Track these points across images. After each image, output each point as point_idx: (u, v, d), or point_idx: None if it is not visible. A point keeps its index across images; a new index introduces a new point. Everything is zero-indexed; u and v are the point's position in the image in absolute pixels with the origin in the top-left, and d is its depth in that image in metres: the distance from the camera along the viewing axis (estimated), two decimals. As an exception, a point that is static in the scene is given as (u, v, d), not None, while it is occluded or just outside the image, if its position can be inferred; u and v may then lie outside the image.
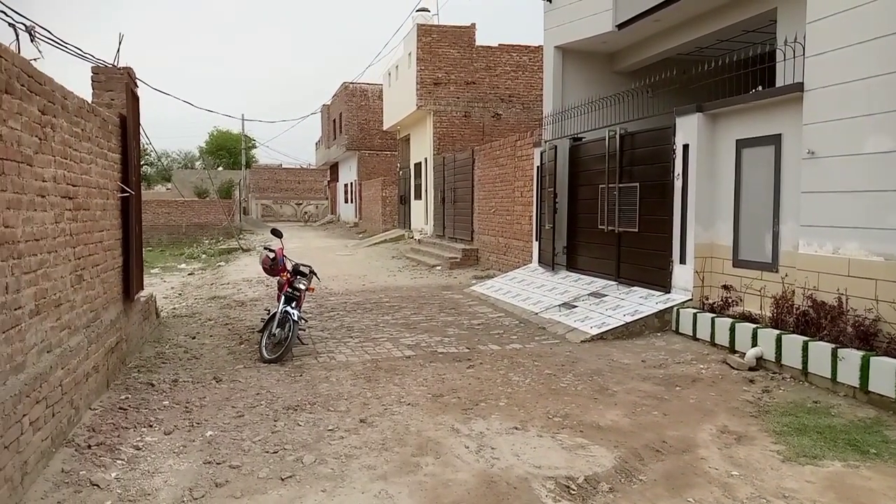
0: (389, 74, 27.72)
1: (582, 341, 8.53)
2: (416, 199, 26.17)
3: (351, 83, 36.79)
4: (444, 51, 23.17)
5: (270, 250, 8.45)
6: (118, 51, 8.21)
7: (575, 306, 10.04)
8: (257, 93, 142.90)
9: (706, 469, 4.53)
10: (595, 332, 8.68)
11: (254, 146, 59.68)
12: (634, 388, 6.46)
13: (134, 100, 8.20)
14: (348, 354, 7.98)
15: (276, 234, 8.94)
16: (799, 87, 7.27)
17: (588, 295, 10.45)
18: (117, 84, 7.69)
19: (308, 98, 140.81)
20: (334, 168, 48.32)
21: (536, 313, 10.19)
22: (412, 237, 24.83)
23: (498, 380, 6.79)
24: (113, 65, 7.91)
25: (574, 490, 4.24)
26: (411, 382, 6.70)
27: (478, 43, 23.60)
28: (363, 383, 6.68)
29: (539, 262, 13.45)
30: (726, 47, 11.18)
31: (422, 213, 25.02)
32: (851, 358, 6.04)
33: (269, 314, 8.17)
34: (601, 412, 5.75)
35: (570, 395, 6.25)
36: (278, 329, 7.72)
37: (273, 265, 8.36)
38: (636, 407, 5.89)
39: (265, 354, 7.61)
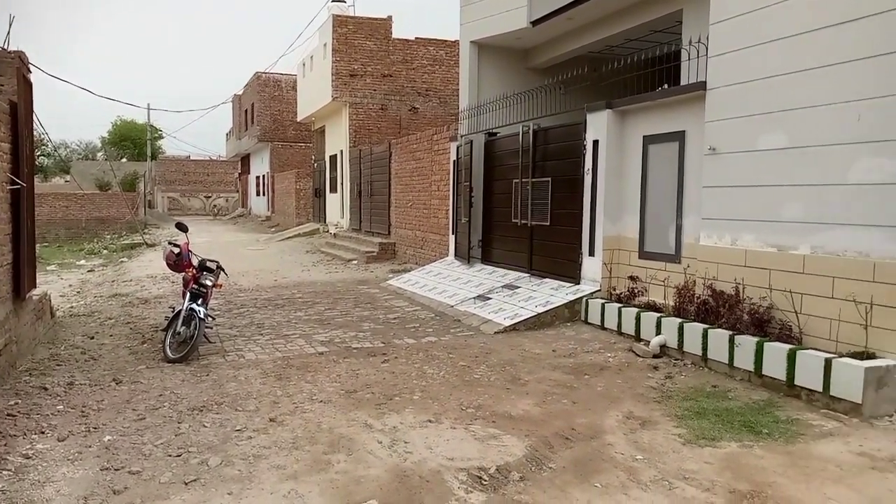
0: (304, 65, 27.17)
1: (496, 332, 8.63)
2: (331, 192, 25.79)
3: (264, 73, 35.83)
4: (360, 42, 22.90)
5: (175, 245, 8.10)
6: (8, 33, 7.63)
7: (489, 298, 10.15)
8: (163, 82, 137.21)
9: (613, 454, 4.66)
10: (508, 323, 8.80)
11: (160, 136, 57.16)
12: (545, 378, 6.58)
13: (27, 86, 7.65)
14: (258, 352, 7.76)
15: (182, 227, 8.57)
16: (702, 86, 7.59)
17: (502, 287, 10.59)
18: (7, 69, 7.15)
19: (219, 88, 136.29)
20: (245, 160, 46.99)
21: (452, 306, 10.23)
22: (327, 231, 24.47)
23: (413, 373, 6.77)
24: (3, 48, 7.35)
25: (486, 480, 4.27)
26: (324, 379, 6.58)
27: (394, 36, 23.46)
28: (273, 381, 6.51)
29: (455, 255, 13.53)
30: (635, 46, 11.55)
31: (337, 207, 24.69)
32: (747, 344, 6.37)
33: (173, 312, 7.83)
34: (513, 402, 5.83)
35: (483, 387, 6.30)
36: (183, 327, 7.41)
37: (178, 261, 8.01)
38: (547, 396, 6.00)
39: (169, 354, 7.29)
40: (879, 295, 5.65)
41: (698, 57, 8.08)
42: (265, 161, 38.71)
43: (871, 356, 5.60)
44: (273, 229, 31.67)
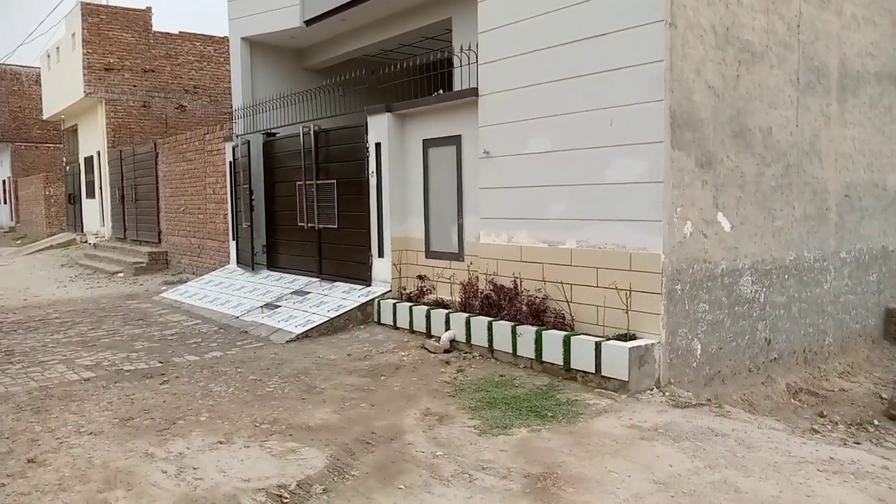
0: (49, 56, 24.10)
1: (287, 341, 8.35)
2: (88, 197, 23.19)
3: (-2, 63, 31.22)
4: (115, 34, 20.84)
5: None
6: None
7: (278, 306, 9.79)
8: None
9: (414, 453, 4.71)
10: (300, 330, 8.55)
11: None
12: (342, 383, 6.49)
13: None
14: (8, 384, 6.70)
15: None
16: (474, 92, 7.99)
17: (291, 293, 10.28)
18: None
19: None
20: (-21, 163, 40.57)
21: (237, 317, 9.71)
22: (86, 241, 21.98)
23: (197, 393, 6.28)
24: None
25: (287, 498, 4.08)
26: (93, 408, 5.86)
27: (155, 28, 21.70)
28: (30, 416, 5.65)
29: (238, 262, 12.86)
30: (409, 51, 11.86)
31: (97, 214, 22.27)
32: (527, 333, 6.83)
33: None
34: (310, 412, 5.66)
35: (277, 399, 6.04)
36: None
37: None
38: (345, 402, 5.92)
39: None
40: (636, 282, 6.37)
41: (469, 64, 8.50)
42: (5, 164, 33.76)
43: (632, 337, 6.30)
44: (19, 241, 27.72)
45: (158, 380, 6.76)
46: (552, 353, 6.58)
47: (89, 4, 20.64)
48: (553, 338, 6.59)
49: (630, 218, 6.44)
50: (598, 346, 6.19)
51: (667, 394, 6.01)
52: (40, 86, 27.41)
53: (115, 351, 8.10)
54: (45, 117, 26.40)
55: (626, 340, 6.24)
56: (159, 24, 22.06)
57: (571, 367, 6.41)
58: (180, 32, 22.15)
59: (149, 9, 21.66)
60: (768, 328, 7.45)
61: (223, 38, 21.71)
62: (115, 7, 21.20)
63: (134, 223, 18.95)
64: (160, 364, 7.44)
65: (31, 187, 29.05)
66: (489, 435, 5.03)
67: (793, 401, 7.35)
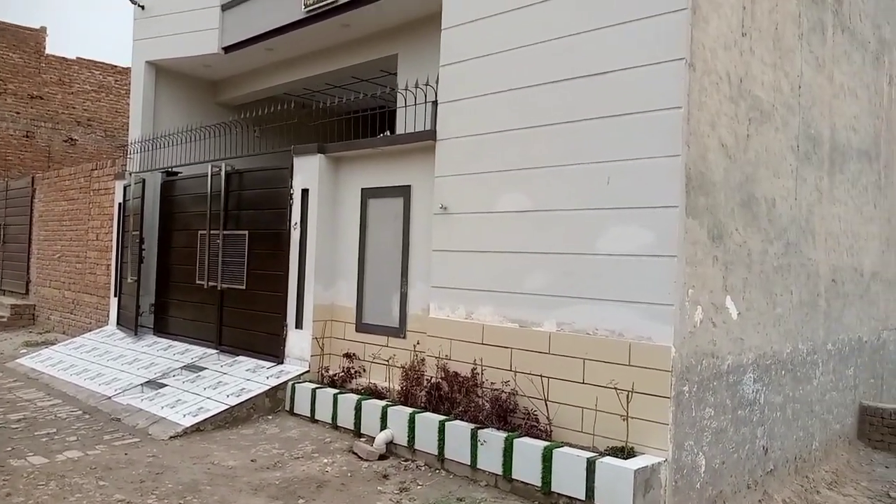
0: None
1: (172, 437, 6.43)
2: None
3: None
4: (1, 52, 18.40)
5: None
6: None
7: (164, 385, 7.82)
8: None
9: None
10: (190, 422, 6.65)
11: None
12: (245, 511, 4.72)
13: None
14: None
15: None
16: (431, 136, 6.62)
17: (182, 368, 8.31)
18: None
19: None
20: None
21: (110, 397, 7.65)
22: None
23: (30, 527, 4.34)
24: None
25: None
26: None
27: (49, 51, 19.39)
28: None
29: (118, 323, 10.71)
30: (337, 93, 10.43)
31: (-44, 256, 19.16)
32: (493, 441, 5.32)
33: None
34: (198, 568, 3.87)
35: (149, 541, 4.20)
36: None
37: None
38: (249, 547, 4.16)
39: None
40: (637, 381, 5.01)
41: (418, 104, 7.19)
42: None
43: (631, 452, 4.90)
44: None
45: (-24, 501, 4.74)
46: (526, 470, 5.08)
47: (-29, 17, 18.20)
48: (529, 449, 5.10)
49: (630, 299, 5.13)
50: (590, 464, 4.76)
51: (681, 533, 4.61)
52: None
53: (-73, 447, 5.94)
54: None
55: (624, 456, 4.84)
56: (55, 48, 19.69)
57: (552, 489, 4.93)
58: (77, 58, 19.89)
59: (43, 28, 19.37)
60: (766, 434, 6.26)
61: (127, 68, 19.62)
62: (5, 23, 18.80)
63: (-1, 268, 16.23)
64: (-14, 471, 5.38)
65: None
66: None
67: (799, 525, 6.14)
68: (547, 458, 4.98)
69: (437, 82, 6.67)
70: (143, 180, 10.23)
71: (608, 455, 4.88)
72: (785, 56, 6.31)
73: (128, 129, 12.23)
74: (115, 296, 10.94)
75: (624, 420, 4.99)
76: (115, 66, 20.56)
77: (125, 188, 10.80)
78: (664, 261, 4.95)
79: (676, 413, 4.95)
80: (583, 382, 5.33)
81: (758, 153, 5.92)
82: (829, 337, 7.50)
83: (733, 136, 5.55)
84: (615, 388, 5.05)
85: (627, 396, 4.98)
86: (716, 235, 5.37)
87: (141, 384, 7.92)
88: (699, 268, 5.17)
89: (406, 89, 7.34)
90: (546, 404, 5.49)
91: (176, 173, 10.25)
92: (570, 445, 5.14)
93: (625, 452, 4.89)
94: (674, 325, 4.91)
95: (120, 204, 11.05)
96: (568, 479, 4.85)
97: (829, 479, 7.50)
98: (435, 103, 6.76)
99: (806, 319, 6.94)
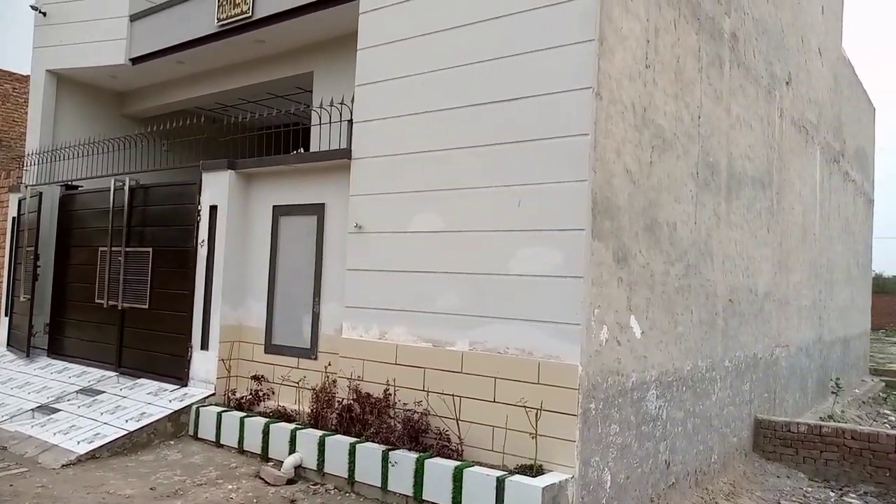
0: None
1: (64, 465, 6.03)
2: None
3: None
4: None
5: None
6: None
7: (57, 409, 7.35)
8: None
9: None
10: (85, 449, 6.26)
11: None
12: (141, 544, 4.47)
13: None
14: None
15: None
16: (346, 154, 6.57)
17: (78, 392, 7.85)
18: None
19: None
20: None
21: (-6, 424, 7.14)
22: None
23: None
24: None
25: None
26: None
27: (-63, 54, 18.16)
28: None
29: (8, 344, 10.03)
30: (250, 108, 10.25)
31: None
32: (404, 462, 5.28)
33: None
34: None
35: (32, 580, 3.91)
36: None
37: None
38: (144, 582, 3.94)
39: None
40: (546, 399, 5.09)
41: (332, 122, 7.15)
42: None
43: (539, 470, 4.97)
44: None
45: None
46: (437, 491, 5.07)
47: None
48: (439, 470, 5.09)
49: (539, 318, 5.23)
50: (500, 482, 4.80)
51: (587, 548, 4.70)
52: None
53: None
54: None
55: (533, 474, 4.91)
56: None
57: (463, 510, 4.93)
58: (-30, 63, 18.69)
59: (-70, 31, 18.12)
60: (668, 449, 6.50)
61: (26, 76, 18.59)
62: None
63: None
64: None
65: None
66: None
67: (699, 537, 6.38)
68: (457, 479, 4.98)
69: (352, 101, 6.65)
70: (41, 194, 9.68)
71: (517, 473, 4.93)
72: (686, 88, 6.66)
73: (25, 140, 11.60)
74: (6, 314, 10.27)
75: (533, 438, 5.07)
76: (14, 74, 19.42)
77: (20, 202, 10.20)
78: (571, 281, 5.08)
79: (583, 430, 5.06)
80: (494, 401, 5.38)
81: (660, 179, 6.20)
82: (726, 354, 7.88)
83: (637, 163, 5.79)
84: (525, 407, 5.13)
85: (536, 414, 5.06)
86: (620, 257, 5.56)
87: (31, 409, 7.42)
88: (605, 288, 5.33)
89: (321, 107, 7.29)
90: (458, 424, 5.50)
91: (76, 187, 9.76)
92: (481, 465, 5.17)
93: (534, 470, 4.95)
94: (581, 344, 5.03)
95: (14, 218, 10.41)
96: (478, 498, 4.86)
97: (727, 491, 7.86)
98: (350, 122, 6.73)
99: (705, 337, 7.27)
